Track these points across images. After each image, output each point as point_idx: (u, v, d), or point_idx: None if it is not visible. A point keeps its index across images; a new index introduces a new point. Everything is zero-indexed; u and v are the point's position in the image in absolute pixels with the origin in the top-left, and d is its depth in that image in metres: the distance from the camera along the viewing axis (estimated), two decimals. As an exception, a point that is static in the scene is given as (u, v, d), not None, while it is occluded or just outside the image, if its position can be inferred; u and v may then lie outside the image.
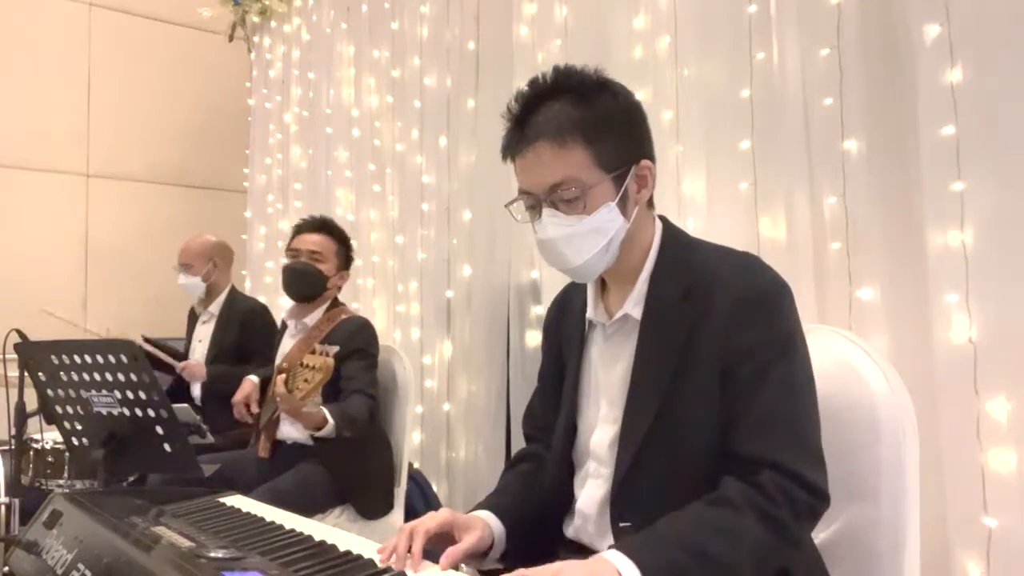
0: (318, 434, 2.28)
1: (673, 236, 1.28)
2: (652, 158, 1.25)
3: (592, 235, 1.19)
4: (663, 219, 1.30)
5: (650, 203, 1.28)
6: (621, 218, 1.21)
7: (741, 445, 1.12)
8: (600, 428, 1.27)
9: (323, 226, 2.66)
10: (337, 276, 2.63)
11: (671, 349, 1.18)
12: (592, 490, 1.27)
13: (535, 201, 1.21)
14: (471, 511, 1.30)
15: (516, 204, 1.25)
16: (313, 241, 2.60)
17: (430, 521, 1.19)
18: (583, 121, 1.17)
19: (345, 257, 2.67)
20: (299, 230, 2.67)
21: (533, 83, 1.22)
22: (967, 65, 1.72)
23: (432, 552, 1.18)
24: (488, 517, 1.27)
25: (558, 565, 1.01)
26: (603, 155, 1.18)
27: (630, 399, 1.21)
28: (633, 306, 1.24)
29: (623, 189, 1.20)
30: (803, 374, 1.15)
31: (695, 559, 1.02)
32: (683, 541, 1.04)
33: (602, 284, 1.33)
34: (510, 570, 1.02)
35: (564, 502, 1.33)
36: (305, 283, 2.58)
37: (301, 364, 2.12)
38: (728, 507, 1.07)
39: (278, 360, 2.66)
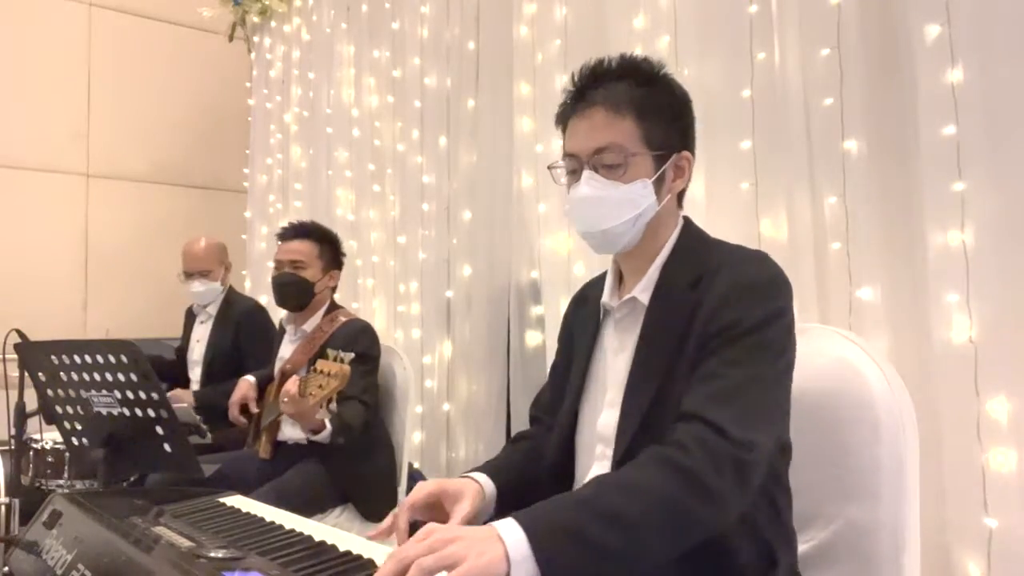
0: (314, 438, 2.29)
1: (692, 232, 1.32)
2: (693, 153, 1.31)
3: (624, 204, 1.23)
4: (686, 219, 1.34)
5: (680, 202, 1.33)
6: (654, 197, 1.25)
7: (683, 403, 1.10)
8: (607, 412, 1.28)
9: (301, 231, 2.62)
10: (325, 278, 2.60)
11: (672, 334, 1.20)
12: (597, 472, 1.28)
13: (578, 165, 1.25)
14: (466, 473, 1.30)
15: (558, 169, 1.31)
16: (293, 249, 2.58)
17: (416, 493, 1.19)
18: (639, 99, 1.24)
19: (331, 257, 2.63)
20: (281, 239, 2.65)
21: (598, 63, 1.28)
22: (967, 65, 1.72)
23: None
24: (481, 478, 1.28)
25: (430, 527, 0.95)
26: (650, 133, 1.24)
27: (630, 382, 1.23)
28: (642, 291, 1.27)
29: (661, 171, 1.25)
30: (771, 353, 1.13)
31: (593, 517, 0.95)
32: (580, 501, 0.99)
33: (619, 274, 1.36)
34: None
35: (563, 486, 1.33)
36: (292, 294, 2.56)
37: (315, 369, 2.11)
38: (632, 466, 1.04)
39: (279, 364, 2.65)
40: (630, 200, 1.23)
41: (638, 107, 1.23)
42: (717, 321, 1.15)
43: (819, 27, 1.99)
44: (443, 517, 1.19)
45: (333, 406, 2.30)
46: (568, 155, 1.28)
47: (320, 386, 2.07)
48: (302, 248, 2.58)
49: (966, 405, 1.68)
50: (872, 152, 1.93)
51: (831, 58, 1.97)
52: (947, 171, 1.73)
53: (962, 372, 1.69)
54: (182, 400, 3.09)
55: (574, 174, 1.27)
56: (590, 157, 1.24)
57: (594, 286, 1.44)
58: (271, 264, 2.69)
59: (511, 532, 0.92)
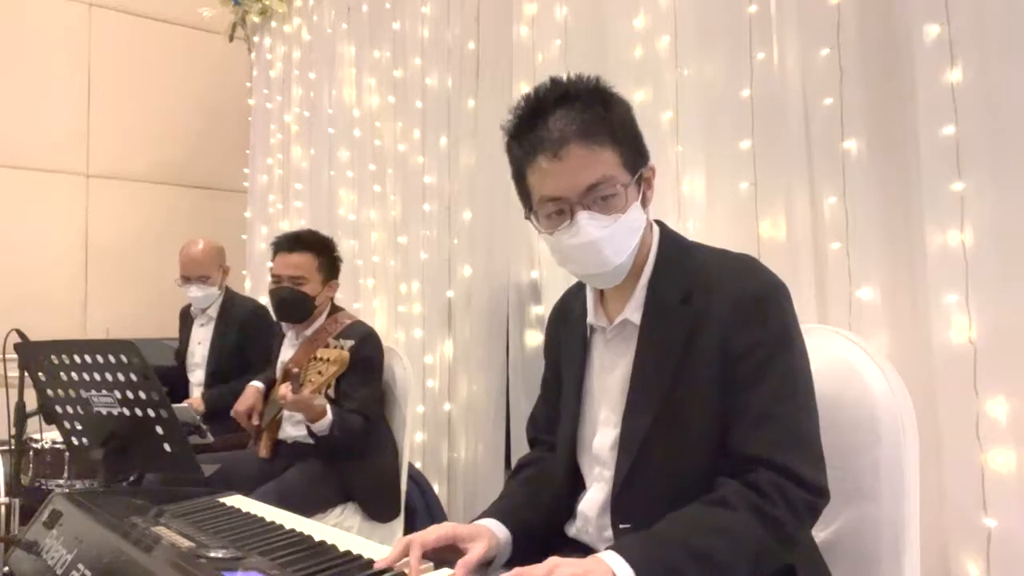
0: (313, 427, 2.28)
1: (671, 240, 1.29)
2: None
3: (628, 233, 1.20)
4: (660, 223, 1.31)
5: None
6: (645, 217, 1.23)
7: (738, 444, 1.12)
8: (601, 432, 1.28)
9: (298, 242, 2.58)
10: (325, 289, 2.58)
11: (670, 352, 1.18)
12: (594, 493, 1.28)
13: (565, 206, 1.17)
14: (475, 520, 1.29)
15: (534, 214, 1.22)
16: (292, 263, 2.53)
17: (428, 535, 1.17)
18: (607, 125, 1.17)
19: (329, 267, 2.60)
20: (276, 249, 2.61)
21: (538, 90, 1.20)
22: (967, 65, 1.72)
23: (444, 561, 1.17)
24: (493, 525, 1.26)
25: (553, 561, 1.00)
26: (626, 156, 1.19)
27: (629, 402, 1.22)
28: (633, 311, 1.25)
29: (642, 190, 1.22)
30: (800, 372, 1.16)
31: (692, 559, 1.02)
32: (680, 541, 1.04)
33: (600, 290, 1.33)
34: None
35: (570, 506, 1.33)
36: (292, 309, 2.55)
37: (315, 357, 2.12)
38: (726, 507, 1.07)
39: (280, 366, 2.65)
40: (632, 228, 1.20)
41: (608, 131, 1.17)
42: (730, 347, 1.14)
43: (819, 27, 1.99)
44: (455, 556, 1.17)
45: (331, 392, 2.29)
46: (550, 200, 1.18)
47: (319, 372, 2.08)
48: (301, 262, 2.53)
49: (965, 405, 1.68)
50: (872, 152, 1.93)
51: (831, 58, 1.97)
52: (947, 171, 1.73)
53: (961, 372, 1.69)
54: (195, 408, 3.07)
55: (561, 215, 1.18)
56: (582, 196, 1.16)
57: (574, 299, 1.40)
58: (271, 265, 2.67)
59: (622, 570, 0.99)
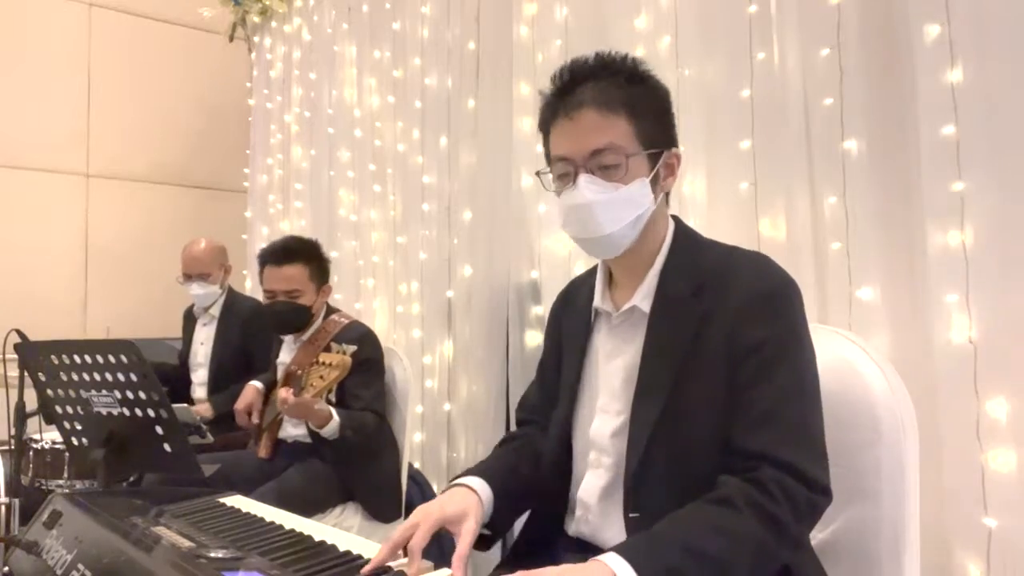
0: (322, 432, 2.28)
1: (685, 234, 1.31)
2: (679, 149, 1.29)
3: (626, 205, 1.21)
4: (676, 218, 1.33)
5: (667, 200, 1.31)
6: (651, 196, 1.24)
7: (742, 440, 1.12)
8: (600, 418, 1.28)
9: (287, 254, 2.51)
10: (319, 296, 2.56)
11: (680, 343, 1.19)
12: (593, 480, 1.28)
13: (571, 168, 1.22)
14: (459, 476, 1.31)
15: (545, 174, 1.27)
16: (285, 277, 2.48)
17: (420, 536, 1.15)
18: (627, 97, 1.21)
19: (321, 272, 2.56)
20: (263, 263, 2.55)
21: (576, 62, 1.25)
22: (967, 65, 1.72)
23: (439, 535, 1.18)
24: (476, 484, 1.28)
25: (556, 569, 1.01)
26: (643, 131, 1.22)
27: (638, 392, 1.22)
28: (642, 299, 1.26)
29: (656, 170, 1.23)
30: (808, 371, 1.16)
31: (694, 560, 1.02)
32: (682, 542, 1.04)
33: (609, 276, 1.34)
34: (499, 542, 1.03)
35: (562, 489, 1.34)
36: (291, 322, 2.53)
37: (317, 361, 2.12)
38: (728, 506, 1.06)
39: (281, 368, 2.65)
40: (632, 200, 1.21)
41: (629, 105, 1.20)
42: (739, 342, 1.15)
43: (819, 27, 1.99)
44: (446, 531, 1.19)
45: (332, 396, 2.29)
46: (559, 159, 1.24)
47: (321, 377, 2.08)
48: (295, 275, 2.49)
49: (966, 405, 1.68)
50: (872, 152, 1.92)
51: (831, 58, 1.97)
52: (947, 171, 1.73)
53: (962, 372, 1.69)
54: (202, 415, 3.06)
55: (566, 177, 1.23)
56: (586, 160, 1.20)
57: (582, 285, 1.42)
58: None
59: (624, 571, 0.99)
